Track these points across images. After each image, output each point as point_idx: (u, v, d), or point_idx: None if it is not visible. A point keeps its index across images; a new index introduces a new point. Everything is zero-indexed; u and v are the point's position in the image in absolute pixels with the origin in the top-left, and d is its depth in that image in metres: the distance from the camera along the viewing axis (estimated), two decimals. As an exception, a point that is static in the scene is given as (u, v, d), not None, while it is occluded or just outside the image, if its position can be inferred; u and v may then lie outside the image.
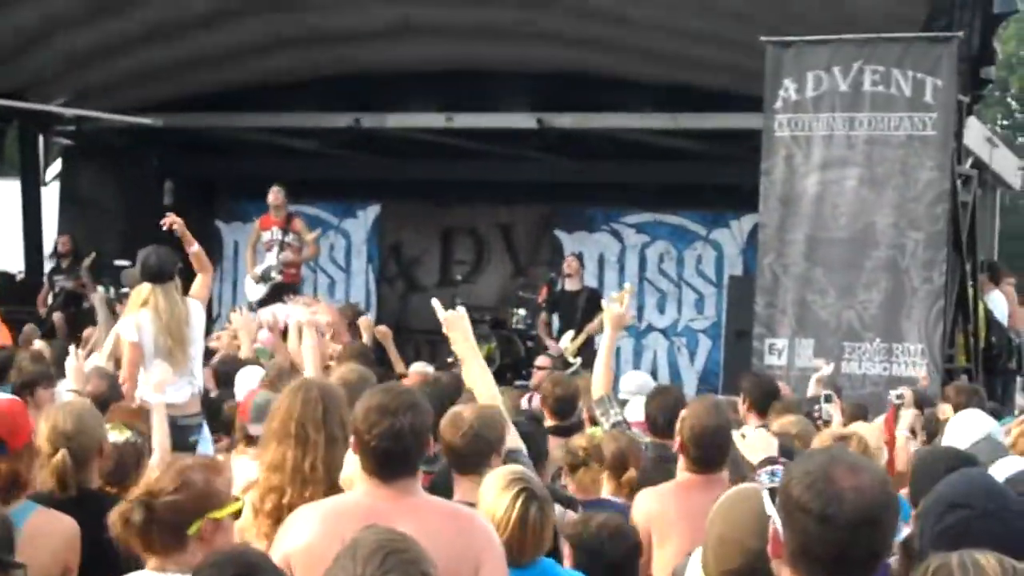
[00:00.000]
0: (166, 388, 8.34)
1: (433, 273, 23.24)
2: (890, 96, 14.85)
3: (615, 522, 6.23)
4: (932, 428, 10.28)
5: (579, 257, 19.01)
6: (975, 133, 16.61)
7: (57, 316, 19.24)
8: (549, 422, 9.18)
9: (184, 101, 20.89)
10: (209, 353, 12.49)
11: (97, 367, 10.11)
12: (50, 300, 19.73)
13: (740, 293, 17.75)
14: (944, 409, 10.56)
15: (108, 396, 8.97)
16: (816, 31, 15.20)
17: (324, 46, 20.12)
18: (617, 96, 19.15)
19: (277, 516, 5.53)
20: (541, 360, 15.77)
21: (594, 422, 8.37)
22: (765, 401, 10.25)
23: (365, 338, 13.23)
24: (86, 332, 15.22)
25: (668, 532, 6.56)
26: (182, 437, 9.20)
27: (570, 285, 18.30)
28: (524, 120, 19.36)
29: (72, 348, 8.85)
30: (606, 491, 7.55)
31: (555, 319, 18.47)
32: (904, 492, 5.56)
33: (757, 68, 15.41)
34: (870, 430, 9.09)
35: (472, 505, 5.55)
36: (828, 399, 10.59)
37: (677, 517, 6.56)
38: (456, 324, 6.79)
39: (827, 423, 9.88)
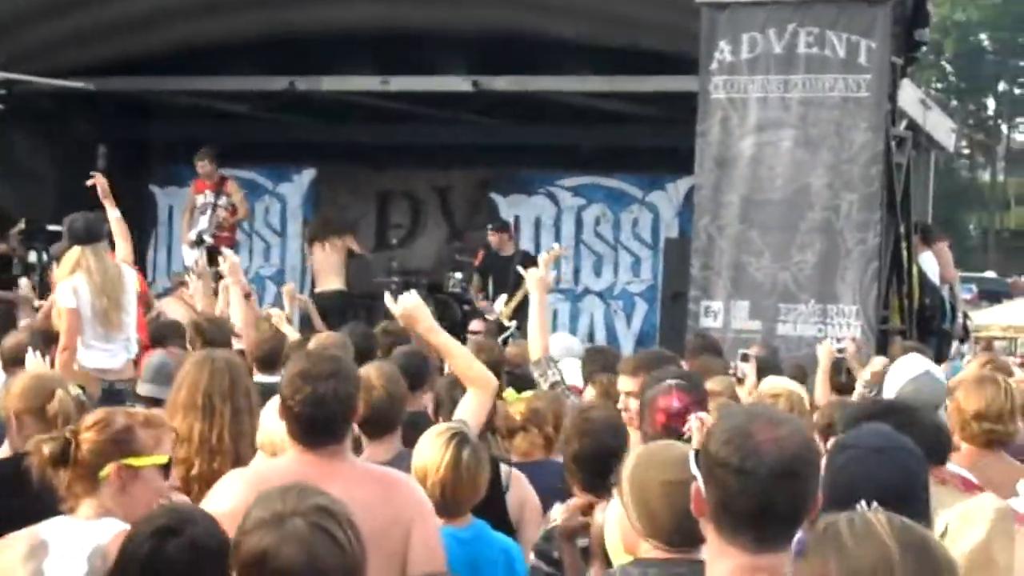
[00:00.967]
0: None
1: (369, 237, 23.12)
2: (824, 58, 14.89)
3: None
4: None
5: (504, 227, 19.05)
6: (909, 95, 16.66)
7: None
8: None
9: (117, 65, 20.68)
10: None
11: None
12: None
13: (676, 255, 17.76)
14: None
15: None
16: (750, -10, 15.21)
17: (258, 9, 19.97)
18: (553, 59, 19.09)
19: (186, 488, 5.52)
20: (475, 324, 15.81)
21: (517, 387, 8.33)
22: None
23: (287, 307, 13.19)
24: None
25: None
26: (118, 402, 9.14)
27: (503, 250, 18.34)
28: (460, 83, 19.27)
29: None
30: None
31: (490, 283, 18.50)
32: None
33: (693, 30, 15.41)
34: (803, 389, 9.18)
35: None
36: (745, 358, 10.72)
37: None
38: (415, 314, 6.71)
39: (741, 381, 9.95)
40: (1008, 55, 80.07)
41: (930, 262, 17.29)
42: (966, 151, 78.38)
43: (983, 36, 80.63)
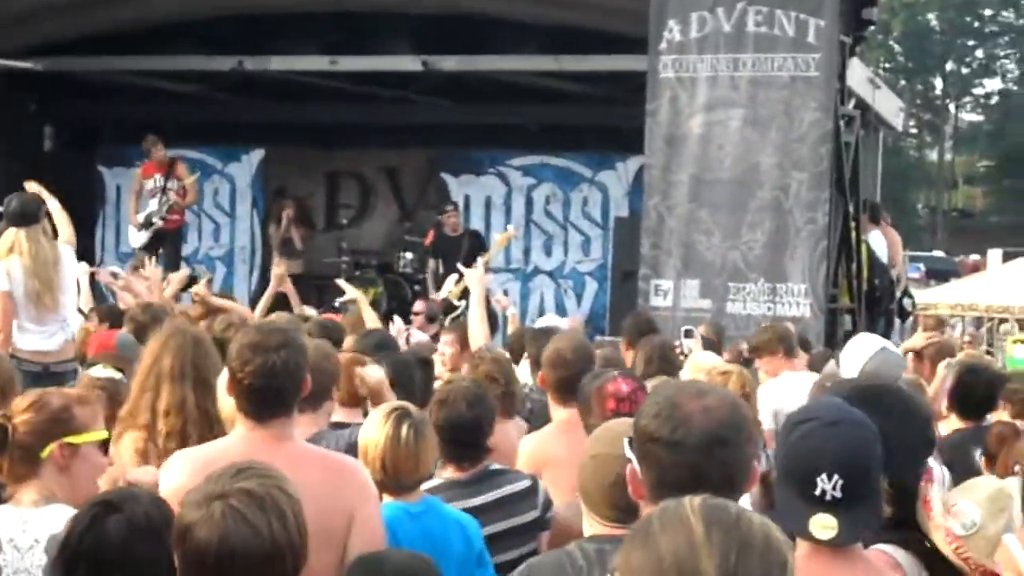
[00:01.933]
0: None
1: (319, 217, 23.11)
2: (773, 37, 14.92)
3: None
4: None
5: (456, 207, 19.05)
6: (858, 74, 16.73)
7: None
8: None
9: (64, 45, 20.54)
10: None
11: None
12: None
13: (626, 235, 17.79)
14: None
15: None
16: (700, -28, 15.23)
17: (204, -13, 19.90)
18: (502, 38, 19.06)
19: (143, 458, 5.51)
20: (417, 305, 15.80)
21: None
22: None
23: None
24: None
25: (557, 472, 6.56)
26: (56, 384, 9.09)
27: (452, 231, 18.34)
28: (409, 63, 19.22)
29: None
30: None
31: (439, 264, 18.50)
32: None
33: (642, 9, 15.42)
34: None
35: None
36: (688, 334, 10.75)
37: (566, 456, 6.58)
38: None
39: (686, 356, 9.98)
40: (955, 35, 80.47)
41: (878, 241, 17.36)
42: (914, 130, 78.73)
43: (931, 16, 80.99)
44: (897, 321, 17.84)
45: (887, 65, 76.61)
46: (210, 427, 5.65)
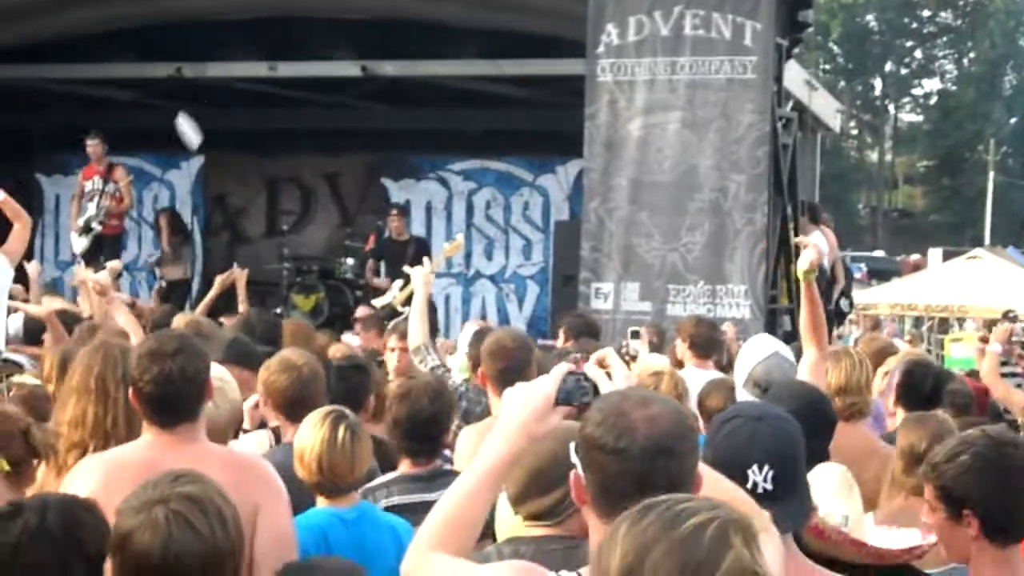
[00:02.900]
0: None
1: (259, 224, 23.06)
2: (710, 40, 14.98)
3: None
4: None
5: (402, 209, 19.00)
6: (795, 76, 16.84)
7: None
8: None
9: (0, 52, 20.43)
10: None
11: None
12: None
13: (566, 238, 17.82)
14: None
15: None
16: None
17: (142, -5, 19.82)
18: (440, 43, 19.07)
19: None
20: (360, 311, 15.79)
21: None
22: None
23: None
24: None
25: None
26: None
27: (397, 235, 18.32)
28: (348, 68, 19.21)
29: None
30: None
31: (382, 267, 18.48)
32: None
33: (580, 13, 15.45)
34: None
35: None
36: (635, 335, 10.75)
37: None
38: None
39: (634, 358, 9.99)
40: (894, 36, 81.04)
41: (819, 241, 17.42)
42: (854, 131, 79.22)
43: (869, 17, 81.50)
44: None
45: (827, 67, 77.02)
46: (106, 440, 5.65)
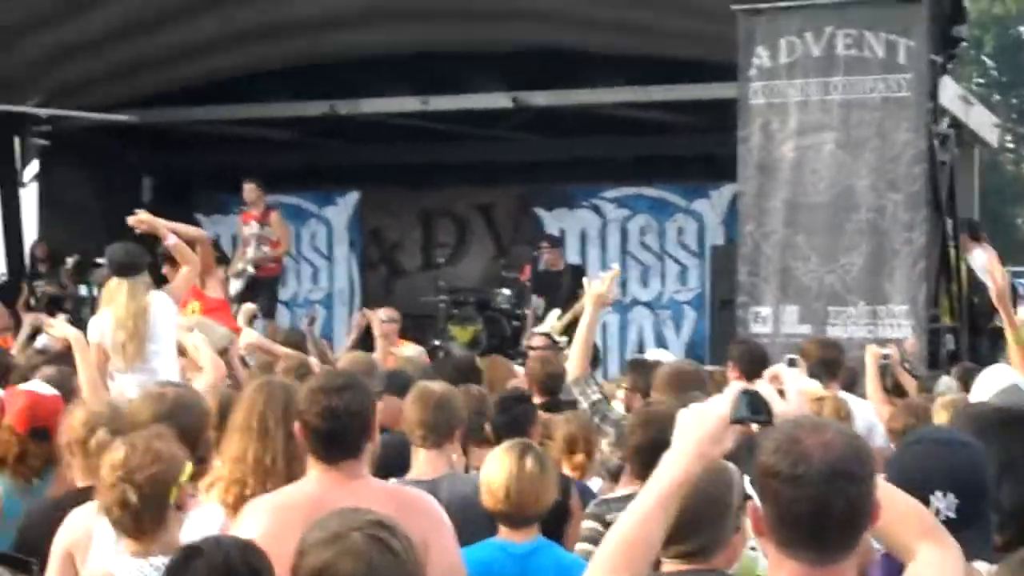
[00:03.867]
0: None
1: (415, 257, 23.23)
2: (863, 59, 14.84)
3: None
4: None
5: (555, 241, 19.00)
6: (950, 92, 16.58)
7: (39, 320, 19.17)
8: (538, 399, 9.18)
9: (158, 96, 20.84)
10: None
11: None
12: (32, 304, 19.69)
13: (723, 263, 17.72)
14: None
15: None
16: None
17: (294, 35, 20.08)
18: (590, 71, 19.13)
19: (240, 508, 5.59)
20: (536, 340, 15.73)
21: None
22: (755, 369, 10.22)
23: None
24: None
25: None
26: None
27: (552, 266, 18.31)
28: (499, 100, 19.34)
29: None
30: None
31: (541, 301, 18.49)
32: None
33: (730, 36, 15.40)
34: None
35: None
36: (792, 363, 10.57)
37: None
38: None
39: None
40: (1049, 47, 79.59)
41: (979, 259, 17.18)
42: (1010, 145, 77.99)
43: (1023, 29, 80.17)
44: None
45: (980, 80, 75.90)
46: (265, 477, 5.73)
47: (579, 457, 7.58)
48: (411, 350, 14.18)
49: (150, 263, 11.21)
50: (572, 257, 20.41)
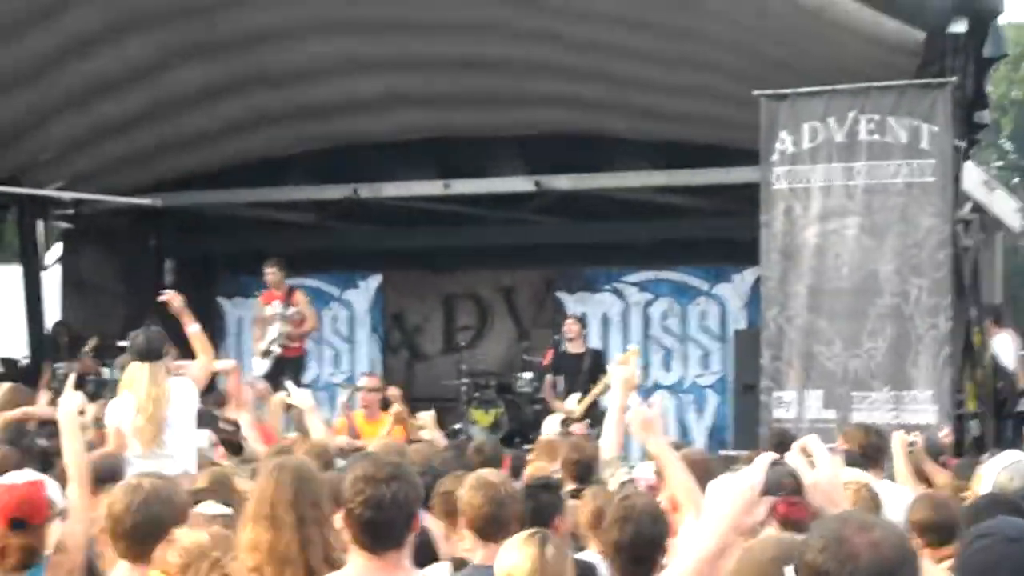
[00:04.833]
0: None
1: (437, 340, 23.22)
2: (886, 144, 14.85)
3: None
4: None
5: (580, 319, 18.94)
6: (973, 177, 16.60)
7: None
8: (570, 486, 9.16)
9: (180, 180, 20.96)
10: None
11: None
12: (54, 385, 19.69)
13: (746, 347, 17.66)
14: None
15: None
16: (806, 80, 15.22)
17: (315, 120, 20.23)
18: (613, 155, 19.20)
19: None
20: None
21: None
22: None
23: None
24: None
25: None
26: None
27: (573, 348, 18.24)
28: (521, 183, 19.40)
29: None
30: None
31: (560, 382, 18.43)
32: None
33: (752, 121, 15.43)
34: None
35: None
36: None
37: None
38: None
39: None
40: (1067, 130, 79.74)
41: (1004, 344, 17.14)
42: (1030, 228, 77.86)
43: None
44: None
45: (999, 164, 76.06)
46: (282, 567, 5.69)
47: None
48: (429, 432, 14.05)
49: (176, 345, 11.26)
50: (594, 341, 20.36)
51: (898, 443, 10.93)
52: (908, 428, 12.81)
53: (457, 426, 18.53)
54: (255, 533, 5.74)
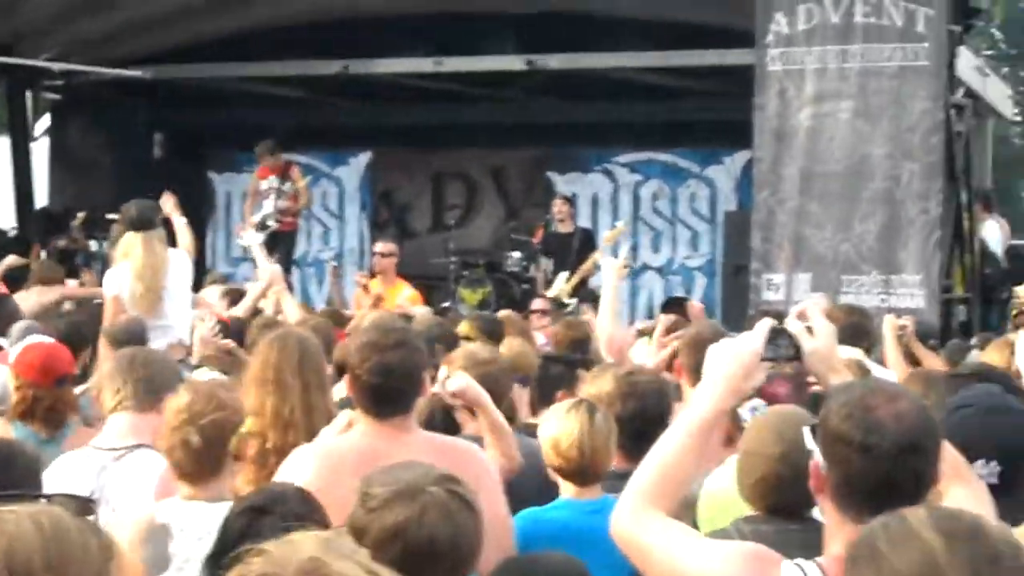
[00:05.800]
0: None
1: (425, 218, 23.20)
2: (882, 27, 14.81)
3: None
4: None
5: (569, 199, 18.92)
6: (967, 63, 16.53)
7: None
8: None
9: (172, 53, 20.77)
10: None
11: None
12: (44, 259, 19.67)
13: (736, 229, 17.68)
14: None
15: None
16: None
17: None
18: (606, 35, 19.05)
19: (262, 461, 5.60)
20: (538, 303, 15.76)
21: None
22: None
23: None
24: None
25: None
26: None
27: (562, 228, 18.24)
28: (513, 62, 19.25)
29: None
30: None
31: (550, 263, 18.46)
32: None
33: (747, 2, 15.36)
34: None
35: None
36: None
37: None
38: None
39: None
40: (1059, 20, 79.40)
41: (991, 230, 17.19)
42: (1018, 118, 77.77)
43: (1034, 2, 79.95)
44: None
45: (988, 52, 75.66)
46: (285, 430, 5.73)
47: None
48: (421, 309, 14.09)
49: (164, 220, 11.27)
50: (583, 221, 20.34)
51: (888, 326, 10.97)
52: (897, 312, 12.88)
53: (445, 304, 18.54)
54: (258, 398, 5.78)
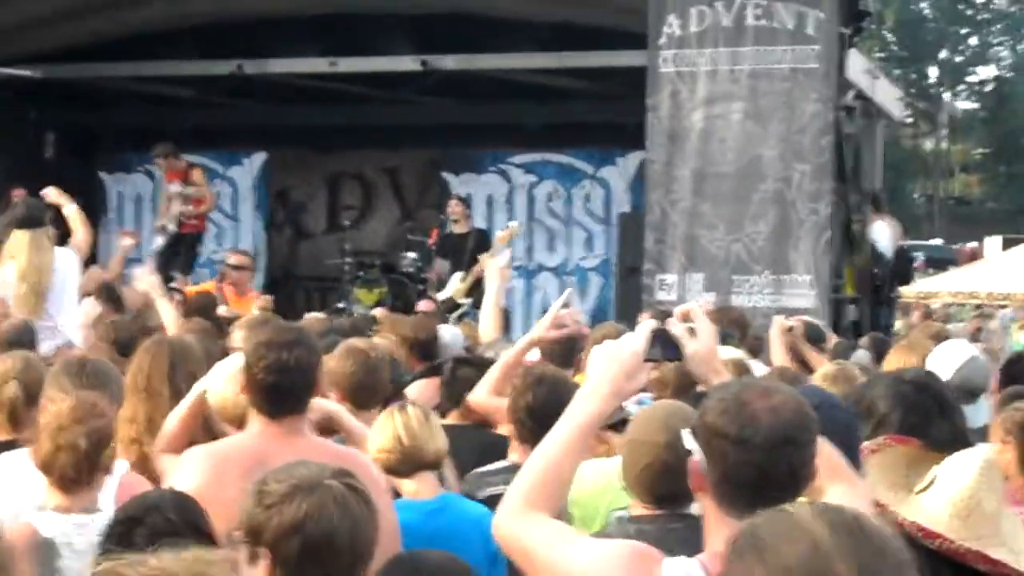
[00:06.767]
0: None
1: (321, 219, 23.15)
2: (773, 29, 14.96)
3: None
4: None
5: (464, 200, 18.95)
6: (857, 65, 16.73)
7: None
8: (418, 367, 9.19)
9: (63, 52, 20.55)
10: None
11: None
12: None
13: (630, 230, 17.78)
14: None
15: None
16: (697, -34, 15.26)
17: (202, -7, 19.94)
18: (500, 36, 19.08)
19: (142, 467, 5.61)
20: (422, 304, 15.80)
21: None
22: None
23: None
24: None
25: None
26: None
27: (457, 228, 18.28)
28: (408, 63, 19.24)
29: None
30: None
31: (446, 265, 18.47)
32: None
33: (640, 4, 15.46)
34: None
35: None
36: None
37: None
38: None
39: None
40: (949, 23, 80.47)
41: (881, 231, 17.40)
42: (909, 120, 78.75)
43: (924, 4, 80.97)
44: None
45: (880, 55, 76.56)
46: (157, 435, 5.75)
47: None
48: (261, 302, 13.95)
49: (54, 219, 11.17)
50: (479, 222, 20.37)
51: (775, 327, 11.11)
52: (787, 312, 13.04)
53: (340, 305, 18.53)
54: (132, 405, 5.80)
